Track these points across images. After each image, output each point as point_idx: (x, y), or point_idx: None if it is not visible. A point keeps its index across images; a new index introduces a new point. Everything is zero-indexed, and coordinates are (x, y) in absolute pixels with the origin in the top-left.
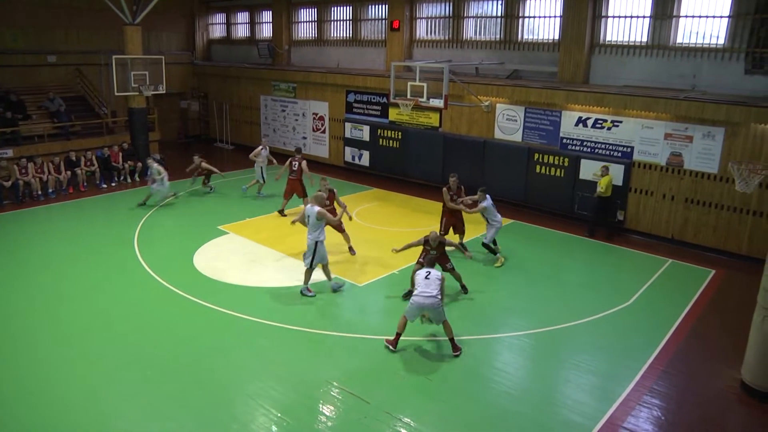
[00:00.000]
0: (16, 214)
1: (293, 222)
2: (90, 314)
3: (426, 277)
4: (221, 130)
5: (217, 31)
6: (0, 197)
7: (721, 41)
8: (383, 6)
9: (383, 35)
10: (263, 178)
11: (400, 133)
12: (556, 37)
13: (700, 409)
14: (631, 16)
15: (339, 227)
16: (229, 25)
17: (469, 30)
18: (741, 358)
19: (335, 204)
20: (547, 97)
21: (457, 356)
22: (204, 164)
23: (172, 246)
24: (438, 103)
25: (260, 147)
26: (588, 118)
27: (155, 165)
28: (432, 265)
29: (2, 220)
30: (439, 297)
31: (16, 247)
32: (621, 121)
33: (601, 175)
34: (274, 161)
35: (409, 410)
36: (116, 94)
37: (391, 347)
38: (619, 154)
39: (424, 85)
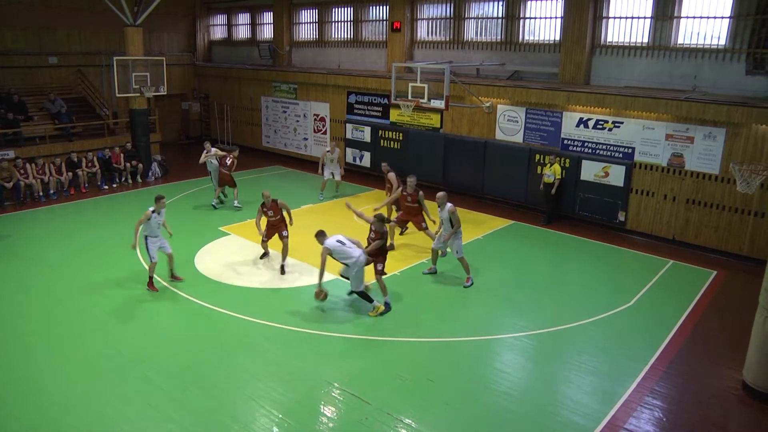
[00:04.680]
0: (18, 215)
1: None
2: (90, 315)
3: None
4: (222, 131)
5: (218, 32)
6: (1, 198)
7: (722, 42)
8: (384, 7)
9: (384, 36)
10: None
11: (401, 134)
12: (557, 38)
13: (702, 410)
14: (632, 17)
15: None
16: (230, 26)
17: (470, 31)
18: (743, 359)
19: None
20: (548, 98)
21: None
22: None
23: (174, 247)
24: (439, 104)
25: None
26: (589, 119)
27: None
28: None
29: (3, 221)
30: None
31: (17, 248)
32: (622, 122)
33: (550, 165)
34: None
35: (411, 411)
36: (117, 95)
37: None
38: (621, 155)
39: (425, 86)
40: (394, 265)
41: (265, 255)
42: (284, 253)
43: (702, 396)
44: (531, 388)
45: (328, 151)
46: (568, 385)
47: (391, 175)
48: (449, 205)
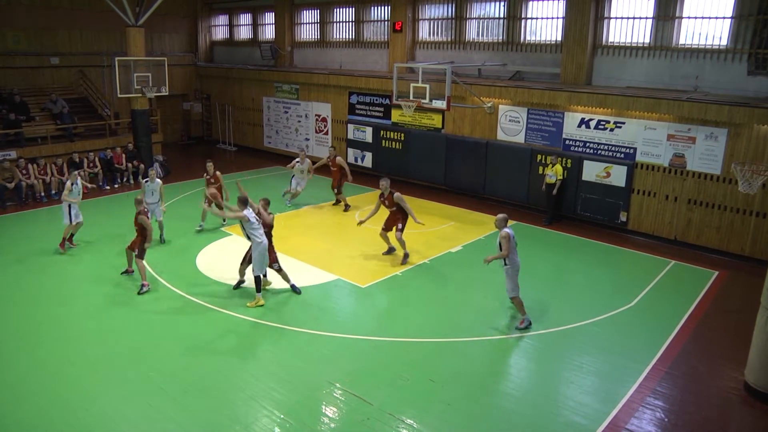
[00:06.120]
0: (20, 215)
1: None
2: (91, 315)
3: None
4: (224, 131)
5: (220, 33)
6: (3, 198)
7: (724, 42)
8: (386, 7)
9: (386, 36)
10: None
11: (402, 135)
12: (559, 38)
13: (704, 411)
14: (634, 17)
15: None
16: (231, 26)
17: (472, 31)
18: (744, 360)
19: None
20: (549, 98)
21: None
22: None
23: (175, 247)
24: (440, 104)
25: (296, 160)
26: (591, 120)
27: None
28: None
29: (5, 222)
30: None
31: (18, 248)
32: (624, 123)
33: (552, 165)
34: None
35: (412, 411)
36: (119, 95)
37: None
38: (622, 156)
39: (427, 86)
40: (394, 265)
41: (143, 287)
42: (142, 271)
43: (703, 396)
44: (532, 389)
45: (297, 161)
46: (569, 385)
47: (339, 159)
48: (505, 229)
